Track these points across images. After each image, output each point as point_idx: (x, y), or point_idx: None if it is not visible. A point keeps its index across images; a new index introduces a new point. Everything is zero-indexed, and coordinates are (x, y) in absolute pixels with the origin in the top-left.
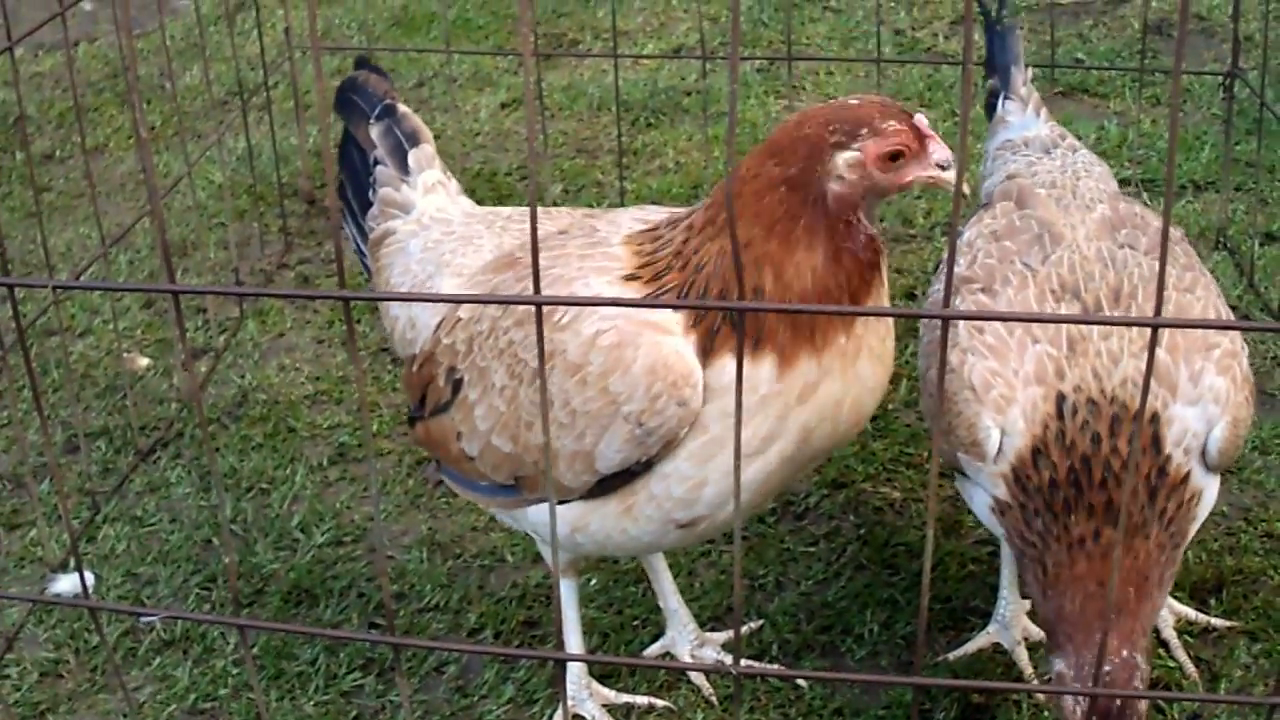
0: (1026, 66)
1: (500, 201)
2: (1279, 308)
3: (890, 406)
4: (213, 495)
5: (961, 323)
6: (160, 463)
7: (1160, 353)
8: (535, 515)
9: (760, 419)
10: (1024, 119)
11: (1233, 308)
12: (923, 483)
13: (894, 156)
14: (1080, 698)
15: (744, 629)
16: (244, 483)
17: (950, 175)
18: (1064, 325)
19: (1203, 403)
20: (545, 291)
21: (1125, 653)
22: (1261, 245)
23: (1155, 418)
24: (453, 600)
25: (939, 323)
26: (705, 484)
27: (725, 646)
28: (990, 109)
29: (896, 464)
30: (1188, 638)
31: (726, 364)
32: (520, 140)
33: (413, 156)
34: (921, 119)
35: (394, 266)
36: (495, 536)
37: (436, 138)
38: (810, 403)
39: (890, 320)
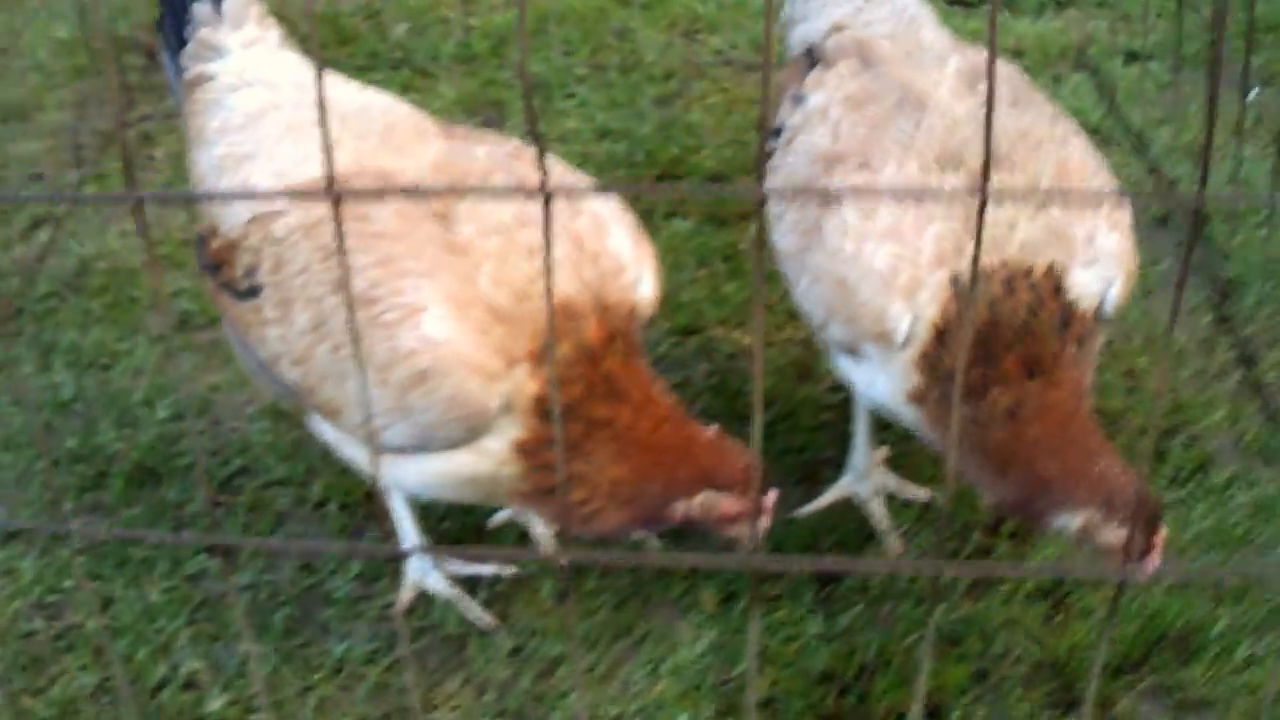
0: None
1: (343, 44)
2: (1139, 130)
3: (741, 246)
4: (54, 374)
5: (848, 206)
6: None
7: (1055, 213)
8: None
9: None
10: None
11: (1094, 131)
12: (776, 325)
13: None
14: (1118, 521)
15: None
16: (85, 358)
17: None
18: (955, 197)
19: (1099, 263)
20: (351, 244)
21: (1118, 469)
22: (1124, 65)
23: (1051, 269)
24: (297, 473)
25: (802, 201)
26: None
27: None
28: None
29: (747, 305)
30: None
31: None
32: None
33: (228, 2)
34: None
35: (209, 116)
36: None
37: None
38: None
39: None
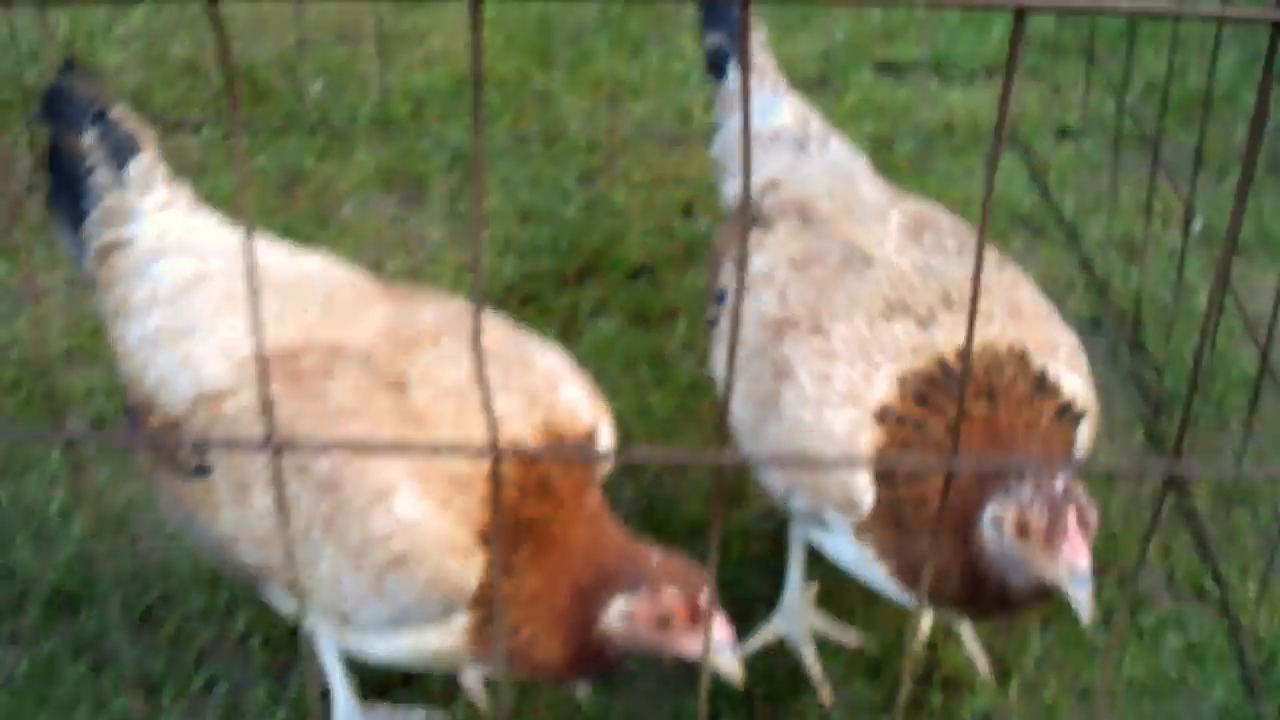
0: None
1: (258, 100)
2: (1073, 217)
3: (668, 351)
4: None
5: (801, 368)
6: None
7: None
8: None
9: None
10: (766, 98)
11: (1024, 219)
12: (704, 441)
13: (663, 621)
14: (1035, 506)
15: None
16: None
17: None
18: (899, 335)
19: None
20: (312, 424)
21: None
22: (1056, 142)
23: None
24: (220, 602)
25: (760, 358)
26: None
27: None
28: (718, 70)
29: (677, 418)
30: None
31: None
32: (281, 25)
33: (132, 166)
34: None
35: (132, 286)
36: None
37: (192, 23)
38: None
39: None
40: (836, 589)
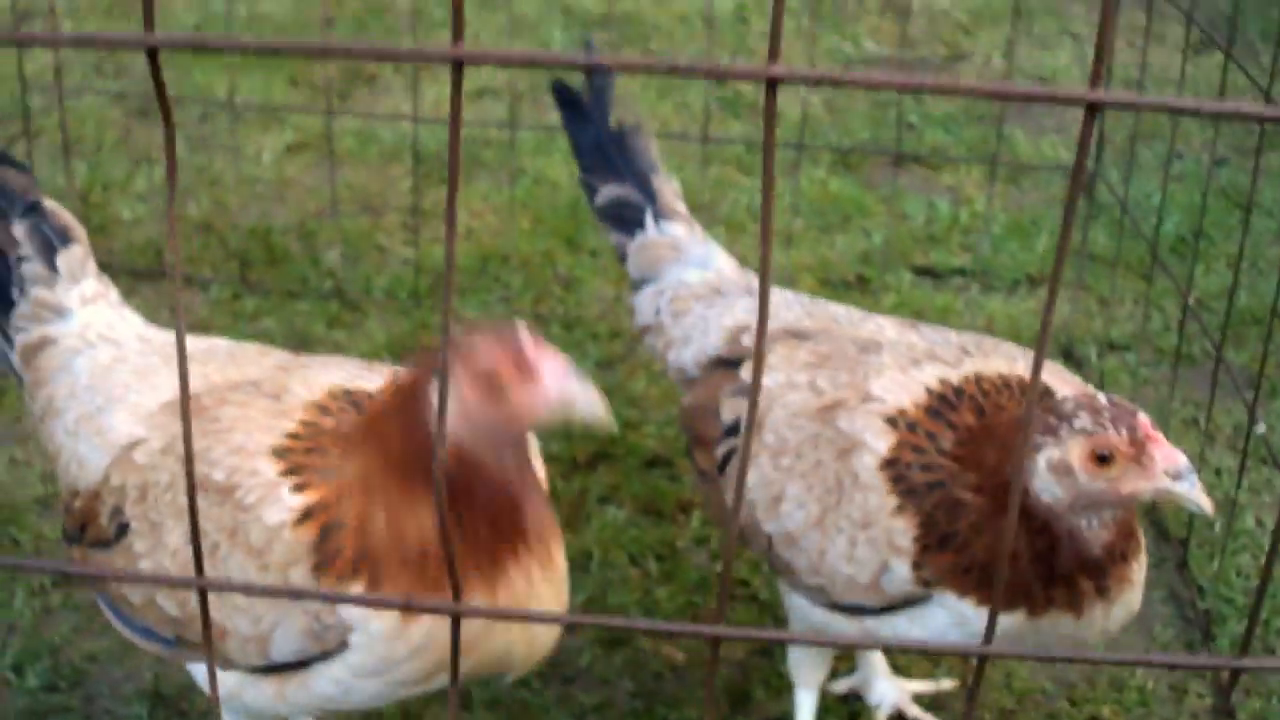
0: (670, 176)
1: (273, 264)
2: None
3: (680, 544)
4: None
5: (866, 433)
6: None
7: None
8: (196, 670)
9: (407, 667)
10: (700, 249)
11: None
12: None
13: (494, 385)
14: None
15: None
16: None
17: None
18: (930, 373)
19: None
20: (207, 444)
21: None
22: (1099, 357)
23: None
24: None
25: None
26: (354, 691)
27: None
28: (622, 223)
29: (683, 615)
30: None
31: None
32: (303, 192)
33: (62, 258)
34: None
35: (57, 384)
36: None
37: (213, 184)
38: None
39: (563, 562)
40: None
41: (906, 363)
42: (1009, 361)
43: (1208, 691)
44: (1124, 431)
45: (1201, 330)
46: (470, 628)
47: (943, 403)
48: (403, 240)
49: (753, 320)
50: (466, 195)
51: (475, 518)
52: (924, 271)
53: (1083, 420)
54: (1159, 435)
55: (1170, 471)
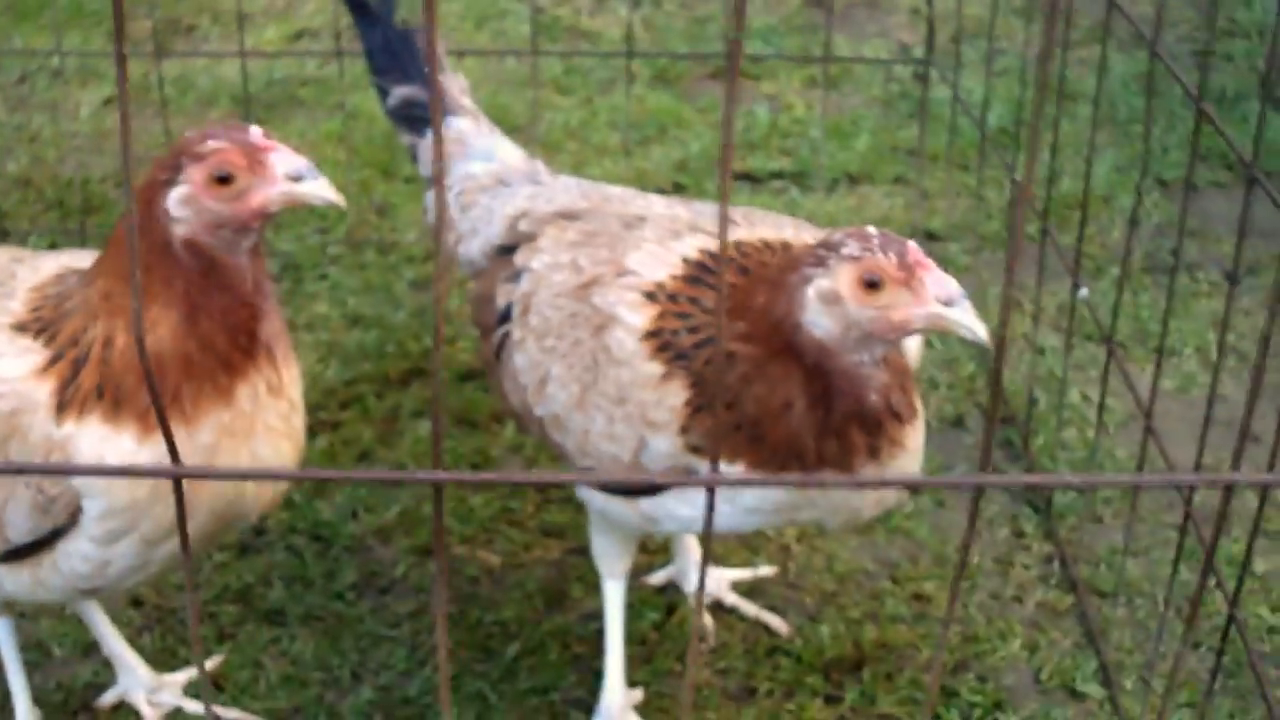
0: (455, 72)
1: (90, 212)
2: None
3: (494, 453)
4: None
5: (619, 307)
6: None
7: None
8: None
9: (155, 514)
10: (485, 141)
11: None
12: (526, 544)
13: (222, 179)
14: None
15: (207, 664)
16: None
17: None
18: (690, 243)
19: None
20: None
21: None
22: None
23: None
24: None
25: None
26: (109, 564)
27: (187, 690)
28: (412, 123)
29: (497, 523)
30: None
31: (96, 430)
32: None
33: None
34: None
35: None
36: (42, 626)
37: (31, 140)
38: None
39: (297, 397)
40: (662, 692)
41: (667, 235)
42: (776, 229)
43: (1034, 563)
44: (893, 256)
45: (1032, 212)
46: (197, 458)
47: (702, 270)
48: None
49: (533, 205)
50: (284, 132)
51: (212, 325)
52: (742, 176)
53: (850, 247)
54: (930, 262)
55: (942, 297)
